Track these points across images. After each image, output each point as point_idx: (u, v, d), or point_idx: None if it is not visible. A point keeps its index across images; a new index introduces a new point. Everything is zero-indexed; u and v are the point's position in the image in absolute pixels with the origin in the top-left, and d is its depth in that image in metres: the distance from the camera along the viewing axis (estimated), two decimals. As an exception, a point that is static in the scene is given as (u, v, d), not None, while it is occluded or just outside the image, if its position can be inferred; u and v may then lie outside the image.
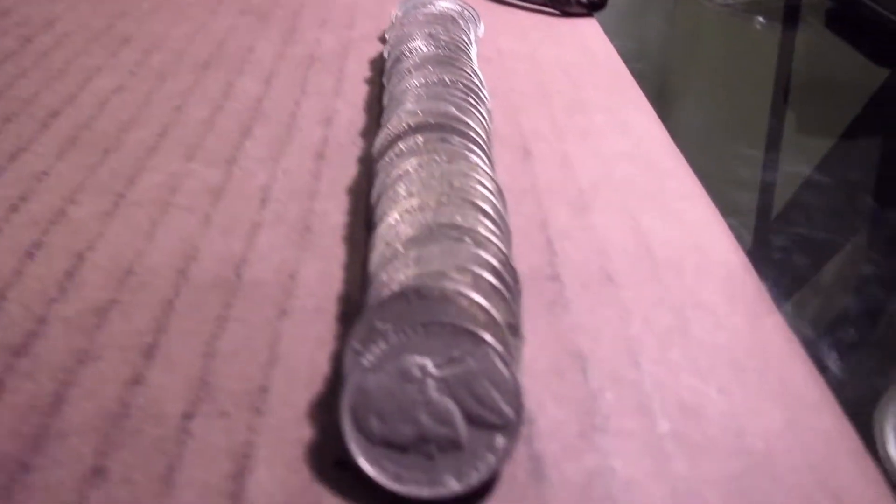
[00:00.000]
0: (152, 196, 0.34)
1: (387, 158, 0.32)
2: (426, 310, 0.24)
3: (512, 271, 0.27)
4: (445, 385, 0.23)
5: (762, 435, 0.24)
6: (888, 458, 0.27)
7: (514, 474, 0.23)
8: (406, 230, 0.27)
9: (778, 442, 0.24)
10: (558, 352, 0.26)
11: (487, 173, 0.30)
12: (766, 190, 0.42)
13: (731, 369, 0.26)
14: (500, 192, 0.30)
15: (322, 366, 0.26)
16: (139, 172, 0.35)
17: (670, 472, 0.23)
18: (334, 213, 0.33)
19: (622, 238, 0.32)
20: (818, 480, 0.23)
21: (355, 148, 0.38)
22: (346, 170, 0.36)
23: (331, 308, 0.28)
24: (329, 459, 0.23)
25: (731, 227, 0.33)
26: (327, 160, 0.36)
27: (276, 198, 0.34)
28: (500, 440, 0.22)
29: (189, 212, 0.33)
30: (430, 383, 0.23)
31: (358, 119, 0.40)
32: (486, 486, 0.22)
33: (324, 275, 0.30)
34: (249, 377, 0.25)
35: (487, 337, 0.23)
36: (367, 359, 0.23)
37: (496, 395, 0.23)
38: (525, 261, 0.30)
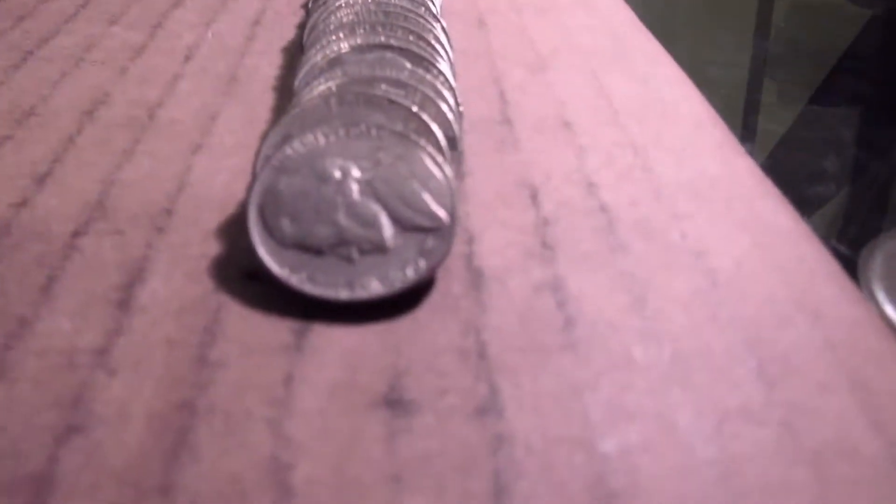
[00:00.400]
0: (65, 53, 0.31)
1: (323, 7, 0.30)
2: (349, 115, 0.22)
3: (451, 90, 0.24)
4: (370, 187, 0.20)
5: (730, 256, 0.22)
6: (874, 300, 0.25)
7: (450, 286, 0.20)
8: (337, 47, 0.24)
9: (747, 262, 0.22)
10: (507, 184, 0.24)
11: (428, 6, 0.28)
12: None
13: (696, 200, 0.24)
14: (443, 28, 0.28)
15: (237, 193, 0.23)
16: (54, 35, 0.33)
17: (628, 289, 0.20)
18: (266, 67, 0.30)
19: (581, 92, 0.29)
20: (794, 299, 0.21)
21: (294, 17, 0.35)
22: (283, 33, 0.33)
23: (253, 144, 0.25)
24: (236, 272, 0.20)
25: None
26: (263, 25, 0.34)
27: (204, 55, 0.31)
28: (431, 242, 0.20)
29: (104, 65, 0.30)
30: (352, 185, 0.20)
31: None
32: (417, 293, 0.20)
33: (248, 117, 0.27)
34: (153, 202, 0.23)
35: (419, 140, 0.21)
36: (278, 159, 0.21)
37: (427, 198, 0.20)
38: (474, 110, 0.28)
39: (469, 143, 0.25)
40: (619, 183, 0.24)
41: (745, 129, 1.01)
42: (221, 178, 0.24)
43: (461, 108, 0.24)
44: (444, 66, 0.25)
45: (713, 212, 0.23)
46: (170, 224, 0.22)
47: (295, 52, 0.31)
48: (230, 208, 0.22)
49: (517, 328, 0.19)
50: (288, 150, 0.21)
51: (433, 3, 0.29)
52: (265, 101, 0.28)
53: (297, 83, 0.25)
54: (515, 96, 0.29)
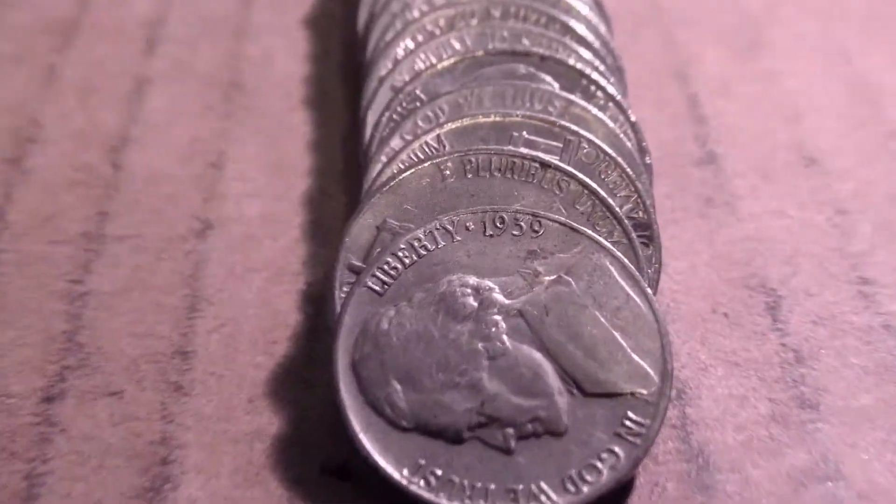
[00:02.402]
0: None
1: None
2: (479, 192, 0.16)
3: (631, 125, 0.18)
4: (527, 325, 0.14)
5: None
6: None
7: (659, 485, 0.14)
8: (436, 56, 0.18)
9: None
10: (724, 281, 0.17)
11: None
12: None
13: None
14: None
15: (285, 314, 0.17)
16: None
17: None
18: (283, 60, 0.23)
19: (828, 91, 0.21)
20: None
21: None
22: None
23: (290, 221, 0.19)
24: (303, 467, 0.14)
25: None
26: None
27: (174, 36, 0.24)
28: (632, 416, 0.14)
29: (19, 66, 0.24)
30: (497, 321, 0.14)
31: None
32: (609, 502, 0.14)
33: (274, 163, 0.21)
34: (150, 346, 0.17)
35: (600, 236, 0.15)
36: (373, 279, 0.15)
37: (623, 342, 0.14)
38: (650, 138, 0.21)
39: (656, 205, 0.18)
40: None
41: None
42: (256, 281, 0.17)
43: (648, 159, 0.18)
44: (610, 79, 0.18)
45: None
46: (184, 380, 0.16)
47: (349, 31, 0.24)
48: (277, 346, 0.16)
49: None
50: (386, 262, 0.15)
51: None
52: (298, 135, 0.21)
53: (365, 112, 0.18)
54: (716, 106, 0.21)
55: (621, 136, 0.17)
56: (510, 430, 0.14)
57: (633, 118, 0.17)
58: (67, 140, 0.20)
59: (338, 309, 0.14)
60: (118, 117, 0.21)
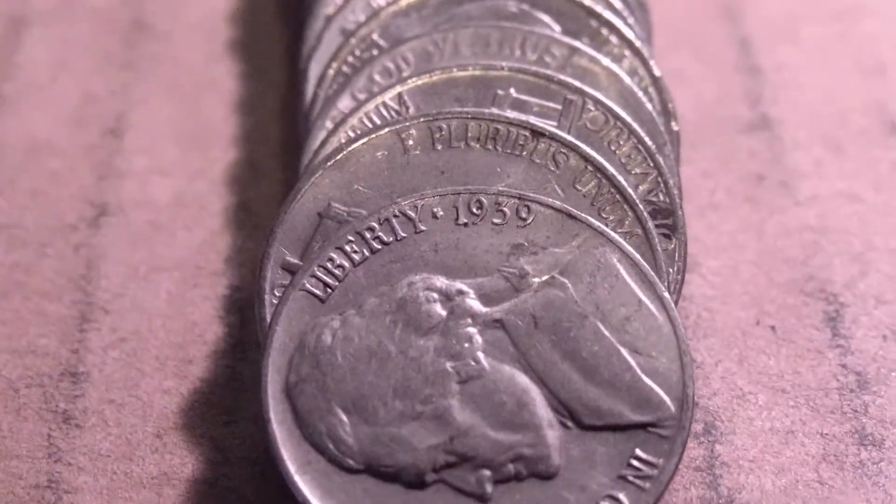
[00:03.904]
0: None
1: None
2: (451, 169, 0.17)
3: (656, 83, 0.19)
4: (509, 339, 0.16)
5: None
6: None
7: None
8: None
9: None
10: (774, 283, 0.19)
11: None
12: None
13: None
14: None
15: (205, 326, 0.19)
16: None
17: None
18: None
19: None
20: None
21: None
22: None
23: (213, 215, 0.21)
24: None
25: None
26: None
27: None
28: (641, 454, 0.15)
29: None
30: (472, 335, 0.16)
31: None
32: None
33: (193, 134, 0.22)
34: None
35: (606, 227, 0.16)
36: (311, 280, 0.16)
37: (630, 361, 0.16)
38: (689, 100, 0.22)
39: (688, 186, 0.20)
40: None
41: None
42: (165, 284, 0.19)
43: (675, 125, 0.19)
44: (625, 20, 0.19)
45: None
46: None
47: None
48: (192, 367, 0.18)
49: None
50: (330, 258, 0.16)
51: None
52: (221, 93, 0.23)
53: (307, 62, 0.20)
54: (774, 54, 0.23)
55: (640, 94, 0.18)
56: (486, 472, 0.15)
57: (656, 71, 0.19)
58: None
59: (268, 319, 0.16)
60: (-14, 70, 0.22)
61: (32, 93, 0.22)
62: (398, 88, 0.18)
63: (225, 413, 0.17)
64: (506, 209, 0.16)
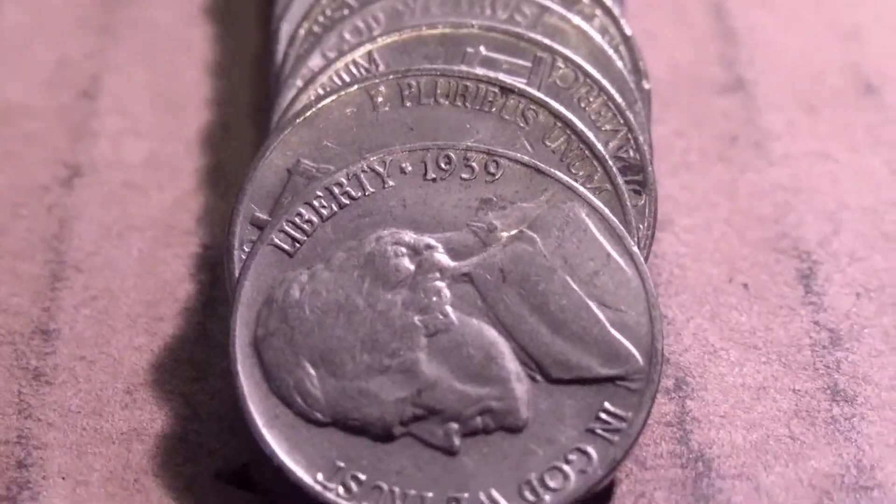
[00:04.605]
0: None
1: None
2: (422, 126, 0.17)
3: (626, 41, 0.19)
4: (477, 292, 0.16)
5: None
6: None
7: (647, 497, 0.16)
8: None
9: None
10: (747, 244, 0.19)
11: None
12: None
13: None
14: None
15: (170, 274, 0.19)
16: None
17: None
18: None
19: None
20: None
21: None
22: None
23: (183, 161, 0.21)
24: (193, 471, 0.16)
25: None
26: None
27: None
28: (609, 408, 0.15)
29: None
30: (440, 289, 0.16)
31: None
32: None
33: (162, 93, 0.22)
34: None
35: (576, 180, 0.16)
36: (280, 234, 0.16)
37: (599, 315, 0.16)
38: (664, 63, 0.22)
39: (661, 146, 0.20)
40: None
41: None
42: (137, 243, 0.19)
43: (647, 83, 0.19)
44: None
45: None
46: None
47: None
48: (163, 324, 0.18)
49: None
50: (299, 213, 0.16)
51: None
52: (194, 55, 0.23)
53: (278, 22, 0.20)
54: (749, 17, 0.23)
55: (611, 53, 0.18)
56: (454, 426, 0.15)
57: (627, 30, 0.19)
58: None
59: (237, 274, 0.16)
60: (-42, 33, 0.22)
61: (7, 56, 0.22)
62: (368, 47, 0.18)
63: (195, 369, 0.17)
64: (474, 164, 0.16)
